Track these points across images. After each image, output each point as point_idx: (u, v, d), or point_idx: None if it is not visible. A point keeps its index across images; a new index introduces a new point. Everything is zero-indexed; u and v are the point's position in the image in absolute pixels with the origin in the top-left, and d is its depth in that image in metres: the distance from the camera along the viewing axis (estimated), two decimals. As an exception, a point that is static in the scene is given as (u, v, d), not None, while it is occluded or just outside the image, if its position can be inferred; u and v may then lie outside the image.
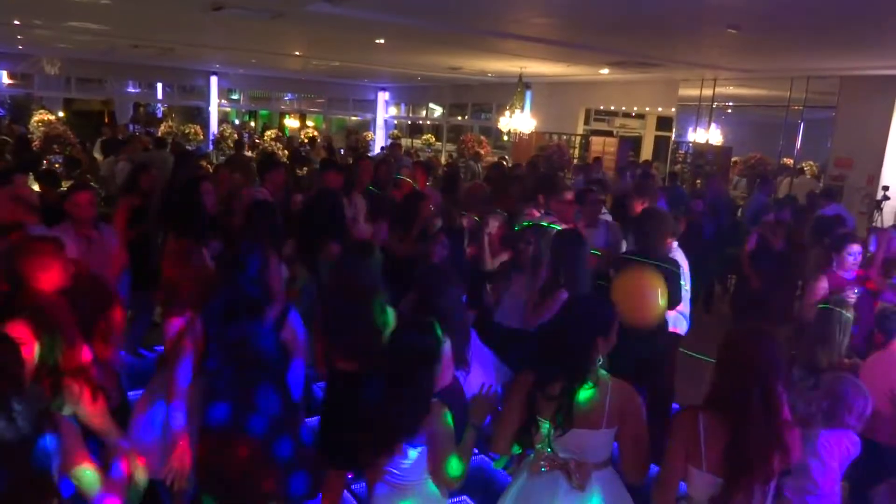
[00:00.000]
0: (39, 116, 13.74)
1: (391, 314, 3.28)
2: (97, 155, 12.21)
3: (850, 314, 3.72)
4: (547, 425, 2.45)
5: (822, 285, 4.53)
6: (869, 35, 7.48)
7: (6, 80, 17.56)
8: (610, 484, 2.51)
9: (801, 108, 11.63)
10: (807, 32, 7.65)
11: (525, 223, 5.00)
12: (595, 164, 10.89)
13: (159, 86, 19.72)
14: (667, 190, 9.16)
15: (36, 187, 7.83)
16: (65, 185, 8.25)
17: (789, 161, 13.02)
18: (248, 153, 15.39)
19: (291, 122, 21.83)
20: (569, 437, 2.42)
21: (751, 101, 14.92)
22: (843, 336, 3.67)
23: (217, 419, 2.90)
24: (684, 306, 5.00)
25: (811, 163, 13.44)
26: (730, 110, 14.96)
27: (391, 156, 9.61)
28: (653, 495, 2.41)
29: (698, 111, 13.22)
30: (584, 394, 2.41)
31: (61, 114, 16.72)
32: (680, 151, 13.97)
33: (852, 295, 4.42)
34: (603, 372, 2.49)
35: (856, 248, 4.73)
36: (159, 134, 15.17)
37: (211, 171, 8.71)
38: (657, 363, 4.25)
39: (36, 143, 12.64)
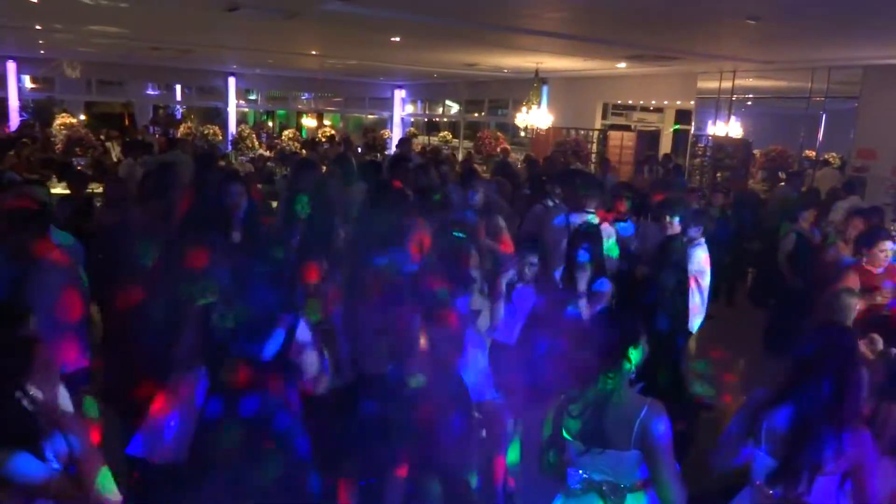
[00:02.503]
0: (61, 119, 13.93)
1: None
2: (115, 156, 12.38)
3: (851, 300, 3.67)
4: (575, 444, 2.37)
5: (853, 280, 4.42)
6: (893, 23, 7.34)
7: (29, 84, 17.84)
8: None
9: (822, 99, 11.42)
10: (828, 22, 7.51)
11: None
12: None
13: (178, 87, 19.94)
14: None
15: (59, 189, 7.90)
16: (92, 187, 8.31)
17: (811, 153, 12.82)
18: (266, 153, 15.49)
19: (308, 122, 21.94)
20: (599, 458, 2.33)
21: (771, 93, 14.68)
22: (845, 320, 3.62)
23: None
24: (702, 303, 4.95)
25: (834, 154, 13.22)
26: (749, 103, 14.74)
27: (404, 153, 9.56)
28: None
29: (717, 104, 13.05)
30: (611, 412, 2.30)
31: (83, 117, 16.95)
32: (699, 145, 13.80)
33: (887, 292, 4.31)
34: (631, 389, 2.38)
35: (889, 244, 4.55)
36: (178, 135, 15.32)
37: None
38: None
39: (58, 146, 12.84)
